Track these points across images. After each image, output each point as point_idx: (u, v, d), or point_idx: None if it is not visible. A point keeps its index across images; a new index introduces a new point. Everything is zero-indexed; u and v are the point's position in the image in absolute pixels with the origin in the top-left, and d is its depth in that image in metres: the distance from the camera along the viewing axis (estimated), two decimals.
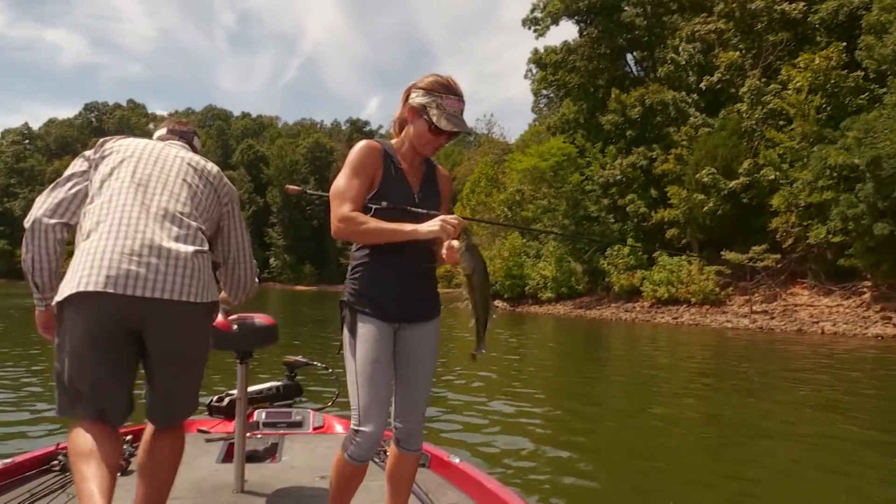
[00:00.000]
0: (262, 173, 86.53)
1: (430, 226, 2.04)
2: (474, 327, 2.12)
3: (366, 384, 2.09)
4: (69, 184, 2.12)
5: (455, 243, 2.05)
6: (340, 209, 2.09)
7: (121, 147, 2.18)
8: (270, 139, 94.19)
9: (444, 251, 2.09)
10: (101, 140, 2.24)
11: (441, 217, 2.06)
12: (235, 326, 2.70)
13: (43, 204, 2.08)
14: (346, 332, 2.18)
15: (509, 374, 9.62)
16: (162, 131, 2.43)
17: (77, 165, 2.17)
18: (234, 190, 2.36)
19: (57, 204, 2.08)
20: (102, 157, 2.16)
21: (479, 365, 9.49)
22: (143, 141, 2.25)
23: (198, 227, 2.07)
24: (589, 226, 31.91)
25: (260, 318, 2.78)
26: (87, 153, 2.21)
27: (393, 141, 2.30)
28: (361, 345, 2.12)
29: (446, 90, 2.18)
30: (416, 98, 2.19)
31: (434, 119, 2.16)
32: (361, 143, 2.21)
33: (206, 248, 2.07)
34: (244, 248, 2.37)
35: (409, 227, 2.07)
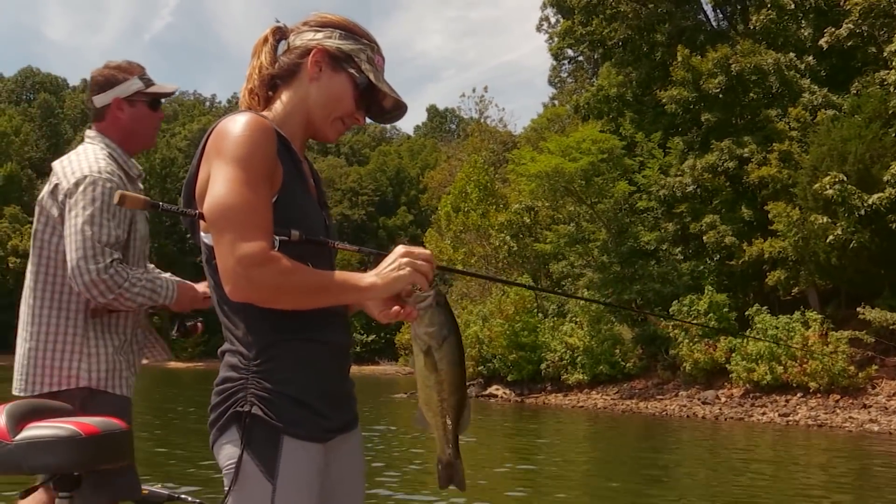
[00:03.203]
0: None
1: (390, 270, 1.39)
2: (440, 434, 1.46)
3: None
4: None
5: (413, 294, 1.44)
6: (247, 245, 1.36)
7: None
8: None
9: (383, 306, 1.46)
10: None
11: (404, 249, 1.42)
12: (28, 433, 1.96)
13: None
14: (251, 467, 1.41)
15: None
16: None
17: None
18: (74, 176, 2.22)
19: None
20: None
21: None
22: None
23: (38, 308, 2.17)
24: (642, 265, 25.02)
25: (85, 421, 2.03)
26: None
27: (265, 114, 1.54)
28: (291, 495, 1.41)
29: (373, 41, 1.59)
30: (331, 40, 1.55)
31: (372, 76, 1.54)
32: (252, 121, 1.43)
33: (39, 330, 2.16)
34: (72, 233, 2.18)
35: (357, 277, 1.42)
